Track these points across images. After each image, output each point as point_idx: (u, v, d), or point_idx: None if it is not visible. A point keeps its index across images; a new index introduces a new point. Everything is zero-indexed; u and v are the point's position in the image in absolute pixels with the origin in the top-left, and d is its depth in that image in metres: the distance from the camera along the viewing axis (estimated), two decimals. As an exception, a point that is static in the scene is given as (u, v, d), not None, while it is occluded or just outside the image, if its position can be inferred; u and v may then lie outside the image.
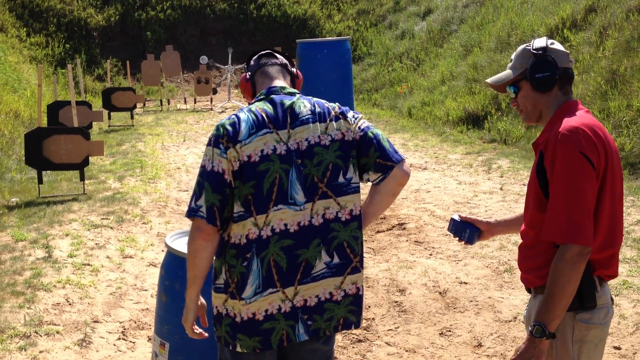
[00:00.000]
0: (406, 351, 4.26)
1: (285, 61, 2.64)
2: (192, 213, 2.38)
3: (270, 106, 2.44)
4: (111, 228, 6.76)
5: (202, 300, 2.52)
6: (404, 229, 6.77)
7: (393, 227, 6.87)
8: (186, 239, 3.43)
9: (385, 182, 2.49)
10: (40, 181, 7.99)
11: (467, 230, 2.70)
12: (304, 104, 2.47)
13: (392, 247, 6.25)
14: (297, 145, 2.40)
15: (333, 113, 2.48)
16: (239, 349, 2.42)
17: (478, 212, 7.12)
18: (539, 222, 2.34)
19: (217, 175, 2.36)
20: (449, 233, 2.83)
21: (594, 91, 9.88)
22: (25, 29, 19.28)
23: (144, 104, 17.54)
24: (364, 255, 5.85)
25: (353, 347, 4.32)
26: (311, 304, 2.41)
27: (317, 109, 2.47)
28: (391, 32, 19.16)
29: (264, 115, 2.42)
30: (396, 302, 4.98)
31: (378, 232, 6.75)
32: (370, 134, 2.48)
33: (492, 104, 12.07)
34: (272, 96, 2.48)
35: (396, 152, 2.51)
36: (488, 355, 4.16)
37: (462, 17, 16.41)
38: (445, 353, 4.22)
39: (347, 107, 2.56)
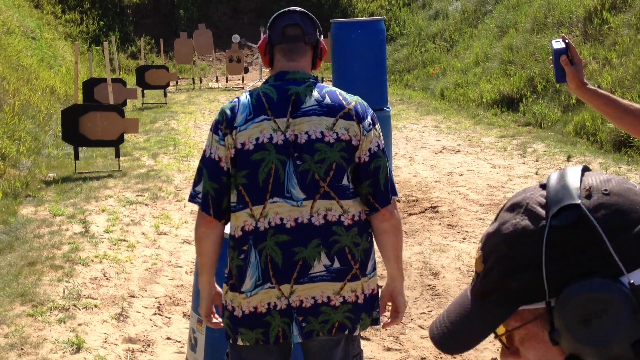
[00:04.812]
0: (439, 334, 4.25)
1: (309, 30, 2.38)
2: (191, 198, 2.36)
3: (274, 90, 2.31)
4: (146, 205, 6.84)
5: (218, 288, 2.43)
6: (437, 212, 6.74)
7: (425, 209, 6.85)
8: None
9: (373, 221, 2.35)
10: (76, 157, 8.10)
11: (564, 72, 2.27)
12: (312, 93, 2.30)
13: (425, 230, 6.23)
14: (294, 137, 2.26)
15: (346, 109, 2.29)
16: (240, 342, 2.32)
17: (512, 196, 7.05)
18: None
19: (214, 162, 2.29)
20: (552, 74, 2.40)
21: (634, 75, 9.69)
22: (60, 5, 19.44)
23: (177, 82, 17.64)
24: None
25: (386, 330, 4.33)
26: (307, 305, 2.28)
27: (326, 101, 2.29)
28: (424, 12, 18.95)
29: (264, 100, 2.30)
30: (429, 285, 4.97)
31: (410, 214, 6.74)
32: (373, 166, 2.29)
33: (527, 86, 11.91)
34: (279, 82, 2.33)
35: (387, 194, 2.32)
36: (522, 340, 4.15)
37: (497, -2, 16.16)
38: (478, 337, 4.21)
39: (367, 107, 2.35)
